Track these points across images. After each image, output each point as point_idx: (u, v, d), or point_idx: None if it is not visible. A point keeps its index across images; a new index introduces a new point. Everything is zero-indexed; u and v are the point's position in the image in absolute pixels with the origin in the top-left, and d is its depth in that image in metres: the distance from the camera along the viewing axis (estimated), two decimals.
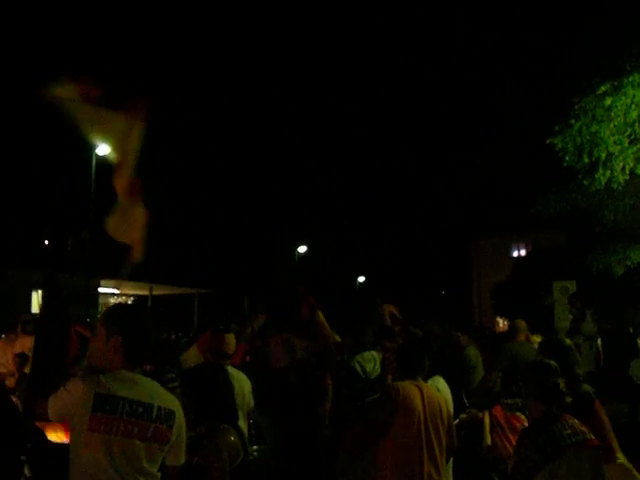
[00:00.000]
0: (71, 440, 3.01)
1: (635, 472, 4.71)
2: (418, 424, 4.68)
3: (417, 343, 5.39)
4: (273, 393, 6.02)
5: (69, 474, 3.01)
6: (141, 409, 3.05)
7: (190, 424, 4.12)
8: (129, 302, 31.93)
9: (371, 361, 7.54)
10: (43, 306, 5.16)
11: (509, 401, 6.65)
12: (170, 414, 3.18)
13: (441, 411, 4.87)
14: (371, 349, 7.92)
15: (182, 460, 3.29)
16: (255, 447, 6.71)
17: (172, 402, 3.26)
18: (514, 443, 6.38)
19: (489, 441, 6.68)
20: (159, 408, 3.12)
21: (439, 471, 4.74)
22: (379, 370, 7.41)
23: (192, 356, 6.17)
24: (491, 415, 6.82)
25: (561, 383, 4.28)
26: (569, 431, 3.50)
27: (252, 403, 6.13)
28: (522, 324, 8.90)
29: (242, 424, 5.75)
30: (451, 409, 5.82)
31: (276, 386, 6.03)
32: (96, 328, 3.26)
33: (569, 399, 4.44)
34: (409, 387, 4.81)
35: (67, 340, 4.05)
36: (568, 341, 5.66)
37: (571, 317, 15.47)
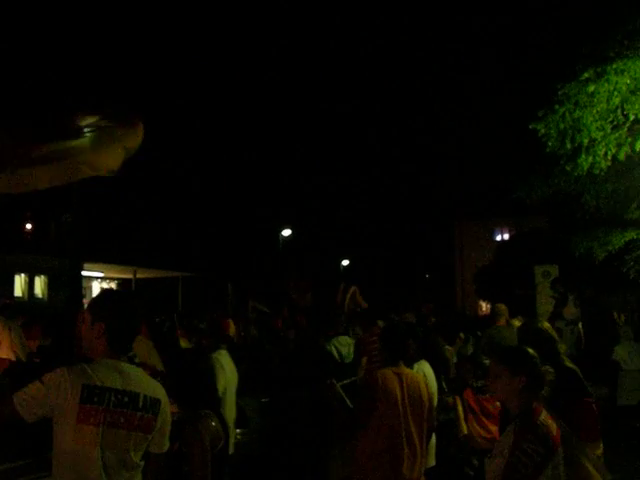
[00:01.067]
0: (55, 432, 2.99)
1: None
2: (397, 412, 4.77)
3: (399, 328, 5.41)
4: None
5: (53, 465, 2.99)
6: (127, 399, 3.06)
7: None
8: (112, 285, 31.86)
9: (346, 346, 7.66)
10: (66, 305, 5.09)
11: (478, 383, 6.73)
12: (156, 402, 3.19)
13: (421, 396, 4.94)
14: (345, 334, 8.04)
15: (166, 447, 3.30)
16: (238, 430, 6.75)
17: (157, 390, 3.27)
18: (489, 427, 6.50)
19: (465, 430, 6.75)
20: (145, 397, 3.13)
21: (418, 456, 4.84)
22: (352, 355, 7.50)
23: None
24: (462, 400, 6.89)
25: (549, 370, 4.33)
26: (549, 421, 3.52)
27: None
28: (502, 308, 9.01)
29: (231, 409, 5.82)
30: (434, 393, 5.90)
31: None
32: (84, 314, 3.28)
33: (546, 389, 4.48)
34: (389, 375, 4.88)
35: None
36: (546, 324, 5.73)
37: (553, 301, 15.55)
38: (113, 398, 3.01)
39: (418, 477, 4.86)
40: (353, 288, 9.48)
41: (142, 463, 3.15)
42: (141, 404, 3.10)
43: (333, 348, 7.73)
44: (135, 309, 3.32)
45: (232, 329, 6.33)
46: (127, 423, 3.04)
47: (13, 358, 7.98)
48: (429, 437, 5.19)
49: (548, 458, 3.32)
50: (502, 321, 8.79)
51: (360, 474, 4.85)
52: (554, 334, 5.43)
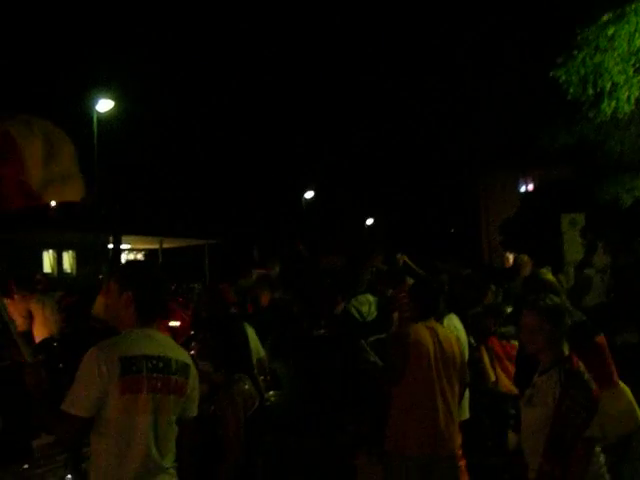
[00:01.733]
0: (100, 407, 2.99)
1: (630, 396, 4.84)
2: (430, 367, 4.73)
3: (430, 284, 5.38)
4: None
5: (93, 442, 3.02)
6: (162, 364, 3.10)
7: (207, 373, 4.22)
8: (139, 257, 32.13)
9: (366, 304, 7.64)
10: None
11: (502, 329, 6.75)
12: (186, 367, 3.23)
13: (454, 352, 4.92)
14: (365, 292, 8.02)
15: (195, 412, 3.34)
16: (271, 392, 6.84)
17: (186, 355, 3.33)
18: (512, 371, 6.50)
19: (493, 377, 6.77)
20: (176, 361, 3.18)
21: (452, 412, 4.82)
22: (375, 312, 7.50)
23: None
24: (487, 348, 6.90)
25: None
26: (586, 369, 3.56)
27: (262, 352, 6.25)
28: (525, 259, 8.96)
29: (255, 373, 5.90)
30: (465, 347, 5.90)
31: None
32: (110, 285, 3.30)
33: None
34: (421, 330, 4.84)
35: None
36: (549, 275, 5.70)
37: (581, 250, 15.44)
38: (150, 364, 3.05)
39: (454, 432, 4.84)
40: (403, 257, 9.48)
41: (176, 428, 3.20)
42: (174, 368, 3.15)
43: (352, 308, 7.72)
44: (161, 277, 3.37)
45: (232, 296, 6.37)
46: (165, 387, 3.09)
47: (47, 334, 8.09)
48: (462, 393, 5.17)
49: (596, 404, 3.38)
50: (526, 272, 8.74)
51: (396, 431, 4.79)
52: (558, 286, 5.42)
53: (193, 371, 3.30)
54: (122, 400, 2.96)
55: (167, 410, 3.11)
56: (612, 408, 4.59)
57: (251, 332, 6.25)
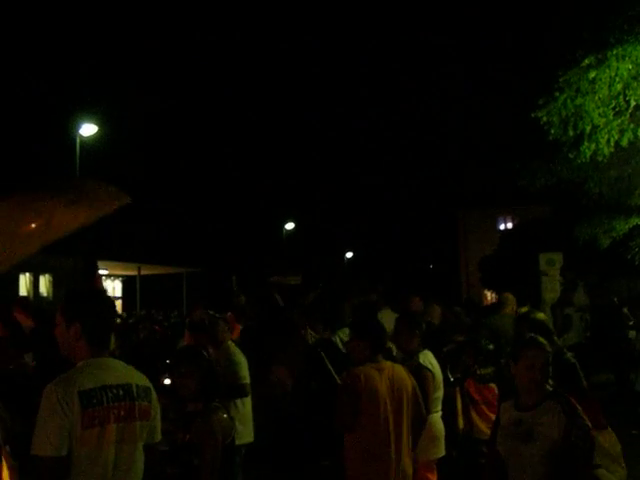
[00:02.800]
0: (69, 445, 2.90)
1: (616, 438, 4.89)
2: (382, 413, 4.60)
3: (373, 321, 5.29)
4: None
5: (72, 477, 2.90)
6: (122, 391, 3.03)
7: (182, 403, 4.18)
8: (117, 282, 31.89)
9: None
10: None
11: (482, 371, 6.71)
12: (147, 390, 3.16)
13: (407, 389, 4.78)
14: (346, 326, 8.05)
15: (160, 436, 3.27)
16: None
17: (144, 379, 3.24)
18: (489, 415, 6.49)
19: (461, 424, 6.73)
20: (137, 386, 3.11)
21: (406, 459, 4.70)
22: None
23: None
24: (462, 392, 6.87)
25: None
26: None
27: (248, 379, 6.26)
28: (509, 297, 8.99)
29: (247, 401, 5.90)
30: (439, 382, 5.82)
31: None
32: (57, 318, 3.18)
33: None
34: (371, 373, 4.68)
35: None
36: (541, 315, 5.74)
37: (561, 288, 15.54)
38: (110, 394, 2.98)
39: (408, 473, 4.72)
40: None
41: (142, 457, 3.12)
42: (135, 394, 3.08)
43: (337, 339, 7.76)
44: (107, 304, 3.29)
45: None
46: (130, 415, 3.03)
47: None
48: (421, 429, 4.98)
49: (593, 438, 3.45)
50: (508, 310, 8.79)
51: (353, 472, 4.69)
52: (550, 325, 5.47)
53: (154, 394, 3.23)
54: (86, 435, 2.88)
55: (133, 438, 3.03)
56: (612, 449, 4.65)
57: (241, 357, 6.26)
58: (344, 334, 7.80)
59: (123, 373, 3.12)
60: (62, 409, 2.84)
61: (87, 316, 3.11)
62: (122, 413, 3.00)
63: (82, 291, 3.46)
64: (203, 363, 4.27)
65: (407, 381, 4.82)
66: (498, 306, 9.32)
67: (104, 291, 4.11)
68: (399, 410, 4.68)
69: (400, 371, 4.87)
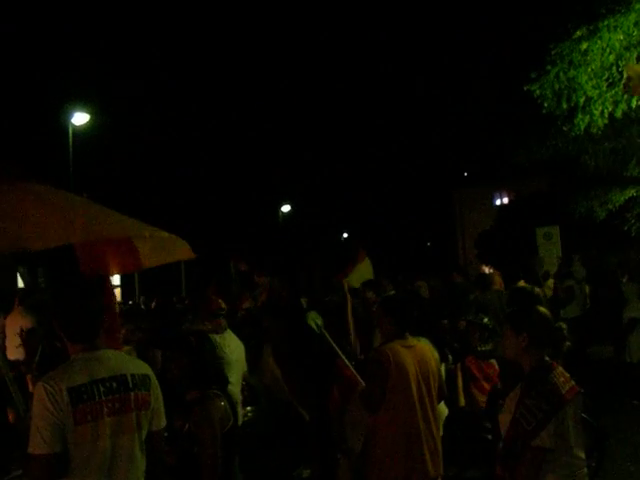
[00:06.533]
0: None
1: None
2: (411, 391, 4.57)
3: (402, 298, 5.23)
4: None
5: (69, 473, 2.91)
6: (115, 384, 3.01)
7: (181, 391, 4.16)
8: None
9: (319, 318, 7.67)
10: None
11: (483, 347, 6.71)
12: (145, 378, 3.14)
13: (432, 369, 4.78)
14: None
15: (163, 423, 3.25)
16: (249, 408, 6.78)
17: (143, 366, 3.23)
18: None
19: (462, 402, 6.74)
20: (132, 376, 3.08)
21: (435, 437, 4.67)
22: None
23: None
24: (463, 367, 6.88)
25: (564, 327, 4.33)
26: (562, 379, 3.53)
27: (245, 365, 6.20)
28: (495, 276, 9.31)
29: (235, 388, 5.82)
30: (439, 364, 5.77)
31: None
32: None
33: (568, 343, 4.52)
34: (400, 351, 4.64)
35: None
36: (537, 289, 5.72)
37: (557, 262, 15.54)
38: (102, 388, 2.96)
39: (438, 456, 4.68)
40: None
41: (144, 446, 3.11)
42: (131, 384, 3.06)
43: (312, 322, 7.77)
44: (89, 296, 3.18)
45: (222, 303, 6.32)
46: (125, 406, 3.01)
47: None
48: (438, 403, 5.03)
49: (551, 414, 3.36)
50: (496, 287, 9.08)
51: (380, 459, 4.60)
52: (543, 300, 5.45)
53: (154, 381, 3.21)
54: (79, 431, 2.87)
55: (130, 429, 3.02)
56: None
57: (239, 346, 6.20)
58: (315, 315, 7.84)
59: (117, 364, 3.09)
60: (52, 406, 2.83)
61: (61, 313, 3.10)
62: (116, 405, 2.98)
63: (59, 288, 3.37)
64: (189, 350, 4.26)
65: (432, 361, 4.82)
66: (485, 283, 9.46)
67: (87, 280, 4.03)
68: (427, 387, 4.67)
69: (427, 351, 4.86)
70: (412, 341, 4.79)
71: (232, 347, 6.03)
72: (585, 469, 3.51)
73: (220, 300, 6.34)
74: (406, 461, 4.52)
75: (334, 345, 5.44)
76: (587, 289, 13.71)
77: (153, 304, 15.83)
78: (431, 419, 4.67)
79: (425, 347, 4.93)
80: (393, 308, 4.87)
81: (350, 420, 4.99)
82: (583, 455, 3.50)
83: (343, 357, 5.34)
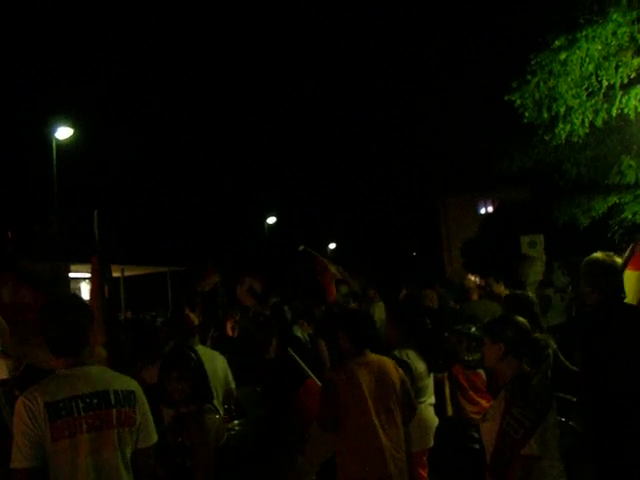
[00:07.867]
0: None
1: None
2: (367, 404, 4.49)
3: (362, 314, 5.20)
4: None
5: None
6: (96, 400, 3.00)
7: (175, 405, 4.16)
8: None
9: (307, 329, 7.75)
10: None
11: (469, 357, 6.72)
12: (129, 394, 3.13)
13: (393, 381, 4.68)
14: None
15: (154, 439, 3.23)
16: (236, 422, 6.75)
17: (129, 382, 3.22)
18: (478, 400, 6.54)
19: (450, 412, 6.74)
20: (115, 392, 3.07)
21: (398, 448, 4.62)
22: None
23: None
24: (450, 377, 6.88)
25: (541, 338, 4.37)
26: (541, 386, 3.59)
27: (230, 378, 6.19)
28: (472, 285, 9.50)
29: (217, 403, 5.82)
30: (422, 372, 5.66)
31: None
32: None
33: (550, 351, 4.55)
34: (354, 369, 4.57)
35: None
36: (532, 295, 5.77)
37: (542, 270, 15.63)
38: (82, 404, 2.95)
39: (402, 467, 4.61)
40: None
41: (130, 463, 3.11)
42: (113, 400, 3.05)
43: (299, 333, 7.82)
44: (75, 312, 3.18)
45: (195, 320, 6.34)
46: (106, 423, 3.00)
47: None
48: (411, 417, 4.90)
49: (538, 422, 3.40)
50: (475, 297, 9.29)
51: (345, 475, 4.58)
52: (537, 308, 5.48)
53: (140, 397, 3.19)
54: (57, 446, 2.87)
55: (111, 446, 3.00)
56: None
57: (222, 362, 6.17)
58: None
59: (100, 380, 3.08)
60: (30, 421, 2.85)
61: (47, 328, 3.12)
62: (96, 422, 2.98)
63: (47, 304, 3.39)
64: (192, 364, 4.26)
65: (394, 373, 4.72)
66: (463, 293, 9.60)
67: (77, 297, 4.07)
68: (386, 403, 4.58)
69: (386, 364, 4.75)
70: (370, 357, 4.69)
71: (216, 361, 6.04)
72: (564, 472, 3.55)
73: (193, 315, 6.39)
74: (372, 474, 4.48)
75: (303, 364, 5.44)
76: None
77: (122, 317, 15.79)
78: (393, 434, 4.58)
79: (386, 362, 4.81)
80: (349, 324, 4.80)
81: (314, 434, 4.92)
82: (559, 458, 3.56)
83: (312, 376, 5.35)
